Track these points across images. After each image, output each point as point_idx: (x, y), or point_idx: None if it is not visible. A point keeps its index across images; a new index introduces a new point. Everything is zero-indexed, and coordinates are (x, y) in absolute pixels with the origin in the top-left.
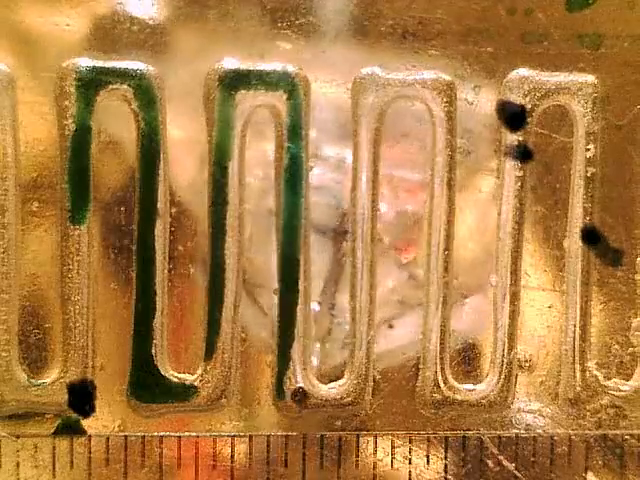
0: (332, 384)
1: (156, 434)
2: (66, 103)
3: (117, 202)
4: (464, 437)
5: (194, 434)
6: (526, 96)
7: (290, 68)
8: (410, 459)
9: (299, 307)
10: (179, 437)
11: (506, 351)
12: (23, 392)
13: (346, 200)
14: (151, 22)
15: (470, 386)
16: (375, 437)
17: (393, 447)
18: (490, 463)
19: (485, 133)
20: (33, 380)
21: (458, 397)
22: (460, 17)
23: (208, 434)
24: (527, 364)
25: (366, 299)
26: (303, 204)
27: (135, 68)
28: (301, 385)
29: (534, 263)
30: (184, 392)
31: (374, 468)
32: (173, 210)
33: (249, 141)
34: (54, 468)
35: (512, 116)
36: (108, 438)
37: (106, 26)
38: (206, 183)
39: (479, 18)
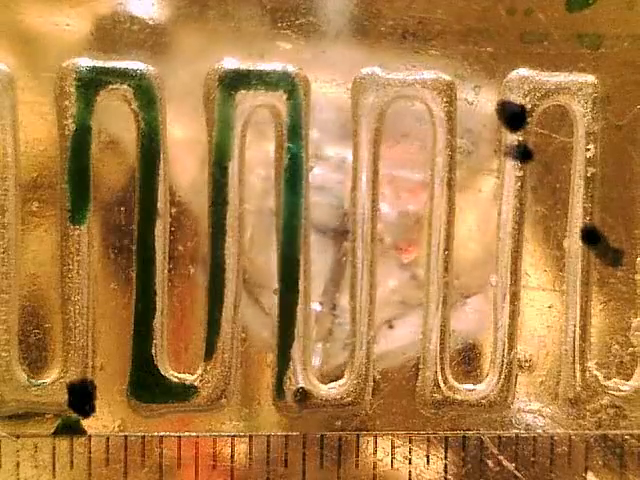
0: (332, 384)
1: (156, 434)
2: (66, 103)
3: (117, 202)
4: (464, 437)
5: (194, 434)
6: (526, 96)
7: (290, 68)
8: (410, 459)
9: (299, 307)
10: (179, 437)
11: (506, 351)
12: (23, 392)
13: (347, 200)
14: (151, 22)
15: (470, 386)
16: (375, 437)
17: (393, 447)
18: (490, 463)
19: (485, 133)
20: (33, 380)
21: (458, 397)
22: (460, 17)
23: (208, 434)
24: (527, 364)
25: (366, 299)
26: (303, 204)
27: (135, 68)
28: (302, 385)
29: (534, 263)
30: (184, 392)
31: (374, 468)
32: (173, 210)
33: (251, 141)
34: (54, 468)
35: (512, 116)
36: (108, 438)
37: (106, 26)
38: (206, 183)
39: (479, 18)
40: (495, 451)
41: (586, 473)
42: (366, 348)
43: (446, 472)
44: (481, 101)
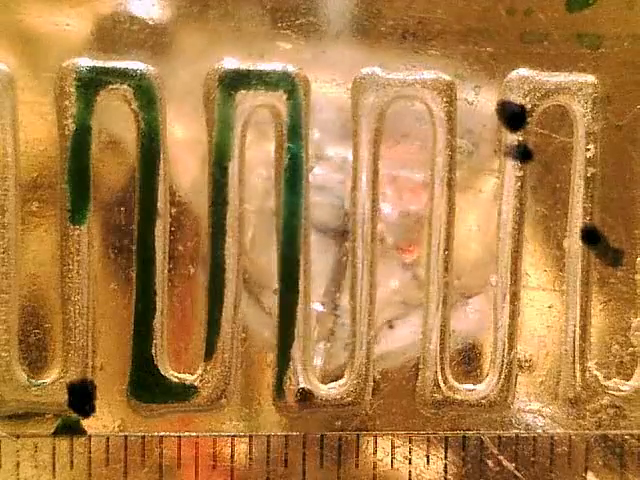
0: (332, 384)
1: (156, 434)
2: (66, 103)
3: (117, 202)
4: (464, 437)
5: (194, 434)
6: (526, 96)
7: (290, 68)
8: (410, 459)
9: (299, 307)
10: (179, 437)
11: (506, 351)
12: (23, 392)
13: (349, 200)
14: (151, 22)
15: (470, 386)
16: (375, 437)
17: (393, 447)
18: (490, 463)
19: (485, 133)
20: (33, 380)
21: (458, 397)
22: (460, 17)
23: (208, 434)
24: (527, 364)
25: (366, 299)
26: (303, 204)
27: (135, 68)
28: (304, 386)
29: (534, 263)
30: (184, 392)
31: (374, 468)
32: (173, 210)
33: (252, 141)
34: (54, 468)
35: (512, 116)
36: (108, 438)
37: (106, 26)
38: (206, 183)
39: (479, 18)
40: (495, 451)
41: (586, 473)
42: (366, 348)
43: (446, 472)
44: (481, 101)
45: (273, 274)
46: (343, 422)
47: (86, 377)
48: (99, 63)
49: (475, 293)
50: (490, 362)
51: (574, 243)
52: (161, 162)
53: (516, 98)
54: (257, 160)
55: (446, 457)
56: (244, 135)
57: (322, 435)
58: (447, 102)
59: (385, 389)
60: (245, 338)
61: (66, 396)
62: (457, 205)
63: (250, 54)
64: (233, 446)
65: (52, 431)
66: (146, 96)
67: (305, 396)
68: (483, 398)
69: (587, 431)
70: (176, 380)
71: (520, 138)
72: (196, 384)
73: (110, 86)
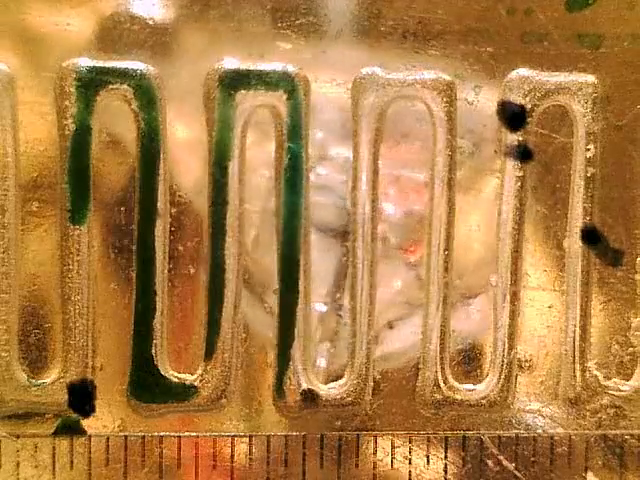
0: (332, 384)
1: (156, 434)
2: (66, 103)
3: (117, 202)
4: (464, 437)
5: (194, 434)
6: (526, 96)
7: (290, 68)
8: (410, 459)
9: (299, 307)
10: (179, 437)
11: (506, 351)
12: (23, 392)
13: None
14: (151, 22)
15: (470, 386)
16: (375, 437)
17: (393, 447)
18: (490, 463)
19: (485, 133)
20: (33, 380)
21: (458, 397)
22: (460, 17)
23: (208, 434)
24: (527, 364)
25: (366, 299)
26: (303, 204)
27: (135, 68)
28: (309, 386)
29: (534, 263)
30: (184, 392)
31: (374, 468)
32: (173, 210)
33: (254, 141)
34: (54, 468)
35: (512, 116)
36: (108, 438)
37: (106, 26)
38: (206, 183)
39: (479, 18)
40: (495, 451)
41: (586, 473)
42: (366, 348)
43: (446, 472)
44: (481, 101)
45: (276, 274)
46: (343, 422)
47: (86, 377)
48: (99, 63)
49: (476, 293)
50: (490, 362)
51: (574, 243)
52: (161, 162)
53: (516, 98)
54: (260, 160)
55: (446, 457)
56: (244, 135)
57: (322, 435)
58: (447, 102)
59: (385, 389)
60: (245, 338)
61: (66, 396)
62: (457, 205)
63: (250, 54)
64: (233, 446)
65: (52, 431)
66: (146, 96)
67: (309, 397)
68: (483, 398)
69: (587, 431)
70: (176, 380)
71: (520, 138)
72: (196, 384)
73: (110, 86)
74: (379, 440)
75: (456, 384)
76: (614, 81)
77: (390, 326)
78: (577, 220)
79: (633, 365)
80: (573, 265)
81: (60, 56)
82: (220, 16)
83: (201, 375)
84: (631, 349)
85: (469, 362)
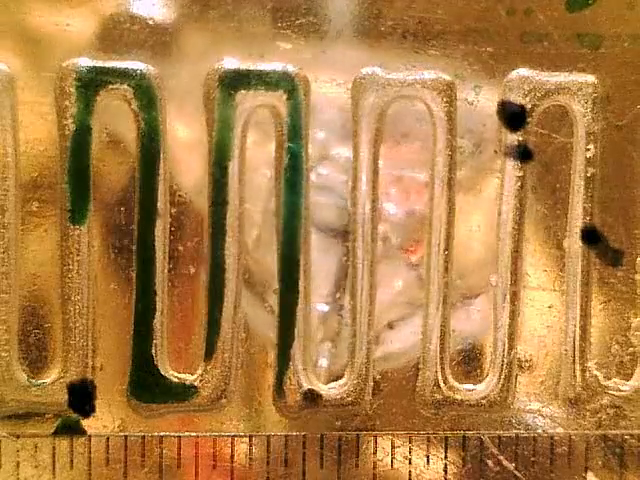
0: (332, 384)
1: (156, 434)
2: (66, 103)
3: (117, 202)
4: (464, 437)
5: (194, 434)
6: (526, 96)
7: (290, 68)
8: (410, 459)
9: (299, 307)
10: (179, 437)
11: (506, 351)
12: (23, 392)
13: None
14: (151, 22)
15: (470, 386)
16: (375, 437)
17: (393, 447)
18: (490, 463)
19: (485, 133)
20: (33, 380)
21: (458, 397)
22: (460, 17)
23: (208, 434)
24: (527, 364)
25: (366, 299)
26: (303, 204)
27: (135, 68)
28: (310, 387)
29: (534, 263)
30: (184, 392)
31: (374, 468)
32: (173, 210)
33: (256, 142)
34: (54, 468)
35: (512, 116)
36: (108, 438)
37: (106, 26)
38: (206, 183)
39: (479, 18)
40: (495, 451)
41: (586, 473)
42: (366, 348)
43: (446, 472)
44: (481, 101)
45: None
46: (343, 422)
47: (86, 377)
48: (99, 63)
49: (477, 293)
50: (490, 362)
51: (574, 243)
52: (161, 162)
53: (516, 98)
54: (262, 160)
55: (446, 457)
56: (244, 135)
57: (322, 435)
58: (447, 102)
59: (385, 389)
60: (245, 338)
61: (66, 396)
62: (458, 205)
63: (250, 54)
64: (233, 446)
65: (52, 431)
66: (146, 96)
67: (311, 397)
68: (483, 398)
69: (587, 431)
70: (176, 380)
71: (520, 138)
72: (196, 384)
73: (110, 86)
74: (379, 440)
75: (456, 384)
76: (614, 81)
77: (390, 326)
78: (577, 220)
79: (633, 365)
80: (573, 265)
81: (60, 56)
82: (220, 16)
83: (201, 375)
84: (631, 349)
85: (469, 362)
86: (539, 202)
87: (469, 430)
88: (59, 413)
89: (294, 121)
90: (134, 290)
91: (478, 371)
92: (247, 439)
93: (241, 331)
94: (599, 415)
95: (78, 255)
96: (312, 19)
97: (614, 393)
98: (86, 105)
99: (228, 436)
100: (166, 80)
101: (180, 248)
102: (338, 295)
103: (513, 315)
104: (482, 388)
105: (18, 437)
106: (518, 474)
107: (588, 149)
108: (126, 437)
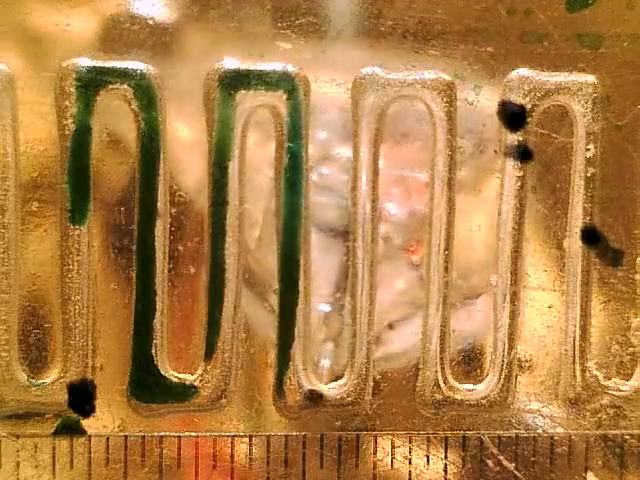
0: (332, 384)
1: (156, 434)
2: (66, 103)
3: (117, 202)
4: (464, 437)
5: (194, 434)
6: (526, 96)
7: (290, 68)
8: (410, 459)
9: (299, 307)
10: (179, 437)
11: (506, 351)
12: (23, 392)
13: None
14: (151, 22)
15: (470, 386)
16: (375, 437)
17: (393, 447)
18: (490, 463)
19: (485, 133)
20: (33, 380)
21: (458, 397)
22: (460, 17)
23: (208, 434)
24: (527, 364)
25: (367, 299)
26: (303, 204)
27: (135, 68)
28: (312, 387)
29: (534, 263)
30: (184, 392)
31: (374, 468)
32: (173, 210)
33: (258, 142)
34: (54, 468)
35: (512, 116)
36: (108, 438)
37: (106, 26)
38: (206, 183)
39: (479, 18)
40: (495, 451)
41: (586, 473)
42: (366, 348)
43: (446, 472)
44: (481, 101)
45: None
46: (343, 422)
47: (86, 377)
48: (99, 63)
49: (478, 294)
50: (490, 362)
51: (574, 243)
52: (161, 162)
53: (516, 98)
54: (264, 160)
55: (446, 457)
56: (244, 135)
57: (322, 435)
58: (447, 102)
59: (385, 389)
60: (245, 338)
61: (66, 396)
62: (458, 205)
63: (250, 54)
64: (233, 446)
65: (52, 431)
66: (146, 96)
67: (313, 397)
68: (483, 398)
69: (587, 431)
70: (176, 380)
71: (520, 138)
72: (196, 384)
73: (110, 86)
74: (379, 440)
75: (456, 384)
76: (614, 81)
77: (391, 326)
78: (577, 220)
79: (633, 365)
80: (573, 265)
81: (60, 56)
82: (220, 16)
83: (201, 375)
84: (631, 349)
85: (469, 362)
86: (539, 202)
87: (469, 430)
88: (59, 413)
89: (294, 121)
90: (134, 290)
91: (478, 371)
92: (247, 439)
93: (241, 331)
94: (599, 415)
95: (78, 255)
96: (312, 19)
97: (614, 393)
98: (86, 105)
99: (228, 436)
100: (166, 80)
101: (180, 248)
102: (338, 295)
103: (513, 315)
104: (482, 388)
105: (18, 437)
106: (518, 474)
107: (588, 149)
108: (126, 437)
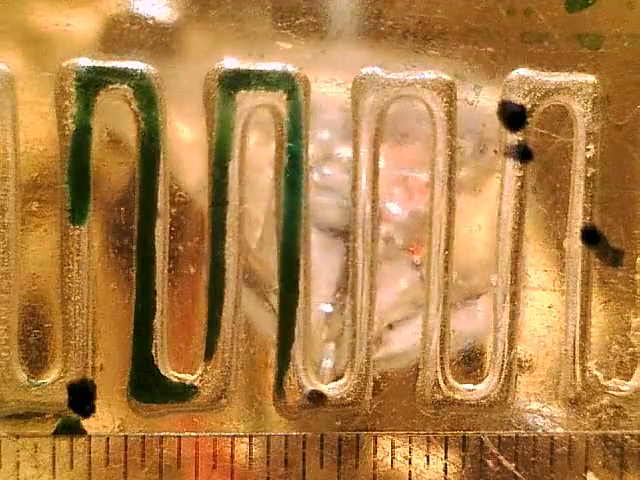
0: (332, 384)
1: (156, 434)
2: (66, 103)
3: (117, 202)
4: (464, 437)
5: (194, 434)
6: (526, 96)
7: (290, 68)
8: (410, 459)
9: (299, 307)
10: (179, 437)
11: (506, 351)
12: (23, 392)
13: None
14: (151, 22)
15: (470, 386)
16: (375, 437)
17: (393, 447)
18: (490, 463)
19: (485, 133)
20: (33, 380)
21: (458, 397)
22: (460, 17)
23: (208, 434)
24: (527, 364)
25: (367, 299)
26: (304, 204)
27: (135, 68)
28: (315, 388)
29: (534, 263)
30: (184, 392)
31: (374, 468)
32: (173, 210)
33: (259, 142)
34: (54, 468)
35: (512, 116)
36: (108, 438)
37: (106, 26)
38: (206, 183)
39: (479, 18)
40: (495, 451)
41: (586, 473)
42: (366, 348)
43: (446, 472)
44: (481, 101)
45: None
46: (343, 422)
47: (86, 377)
48: (99, 63)
49: (478, 294)
50: (490, 362)
51: (574, 243)
52: (161, 162)
53: (516, 98)
54: (264, 160)
55: (446, 457)
56: (244, 135)
57: (322, 435)
58: (447, 102)
59: (385, 389)
60: (245, 338)
61: (66, 396)
62: (458, 205)
63: (250, 54)
64: (233, 446)
65: (52, 431)
66: (146, 96)
67: (315, 397)
68: (483, 398)
69: (587, 431)
70: (176, 380)
71: (520, 138)
72: (196, 384)
73: (110, 86)
74: (379, 440)
75: (456, 384)
76: (614, 81)
77: (391, 327)
78: (577, 220)
79: (633, 365)
80: (573, 265)
81: (60, 56)
82: (220, 16)
83: (201, 375)
84: (631, 349)
85: (469, 362)
86: (539, 202)
87: (469, 430)
88: (59, 413)
89: (294, 121)
90: (134, 290)
91: (478, 371)
92: (247, 439)
93: (241, 331)
94: (599, 415)
95: (78, 255)
96: (312, 19)
97: (614, 393)
98: (86, 105)
99: (228, 436)
100: (166, 80)
101: (180, 248)
102: (339, 295)
103: (513, 315)
104: (482, 388)
105: (18, 437)
106: (518, 474)
107: (588, 149)
108: (126, 437)
